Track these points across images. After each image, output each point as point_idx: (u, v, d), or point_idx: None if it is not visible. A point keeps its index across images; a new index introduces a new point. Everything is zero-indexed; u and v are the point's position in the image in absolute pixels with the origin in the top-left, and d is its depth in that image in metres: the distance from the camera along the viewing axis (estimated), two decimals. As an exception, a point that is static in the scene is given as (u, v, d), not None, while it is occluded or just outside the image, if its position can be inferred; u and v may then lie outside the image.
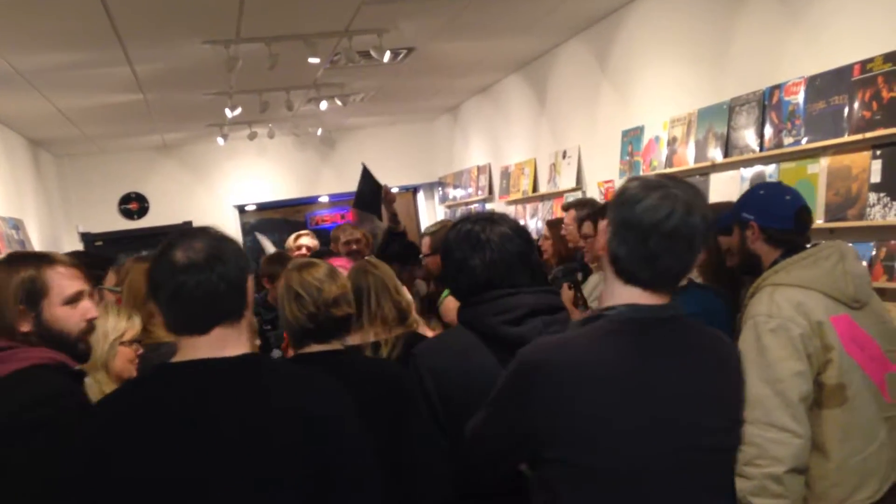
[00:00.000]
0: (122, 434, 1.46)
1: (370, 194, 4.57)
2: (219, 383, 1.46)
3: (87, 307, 1.96)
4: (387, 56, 5.53)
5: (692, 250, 1.48)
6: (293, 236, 5.55)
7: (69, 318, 1.91)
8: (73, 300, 1.93)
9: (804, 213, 2.26)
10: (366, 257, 4.40)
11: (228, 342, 1.49)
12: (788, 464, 1.95)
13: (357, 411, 1.54)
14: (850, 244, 2.43)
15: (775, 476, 1.94)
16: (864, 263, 2.22)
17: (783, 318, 2.04)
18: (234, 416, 1.44)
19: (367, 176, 4.55)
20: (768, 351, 2.02)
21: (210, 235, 1.51)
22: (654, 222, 1.44)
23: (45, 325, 1.87)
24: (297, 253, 5.00)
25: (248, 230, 10.48)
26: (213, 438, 1.43)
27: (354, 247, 4.71)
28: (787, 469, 1.95)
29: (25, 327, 1.85)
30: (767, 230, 2.23)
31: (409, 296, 2.96)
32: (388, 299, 2.78)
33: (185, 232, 1.51)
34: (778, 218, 2.23)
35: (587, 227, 3.97)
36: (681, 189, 1.48)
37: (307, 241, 5.40)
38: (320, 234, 7.28)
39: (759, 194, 2.36)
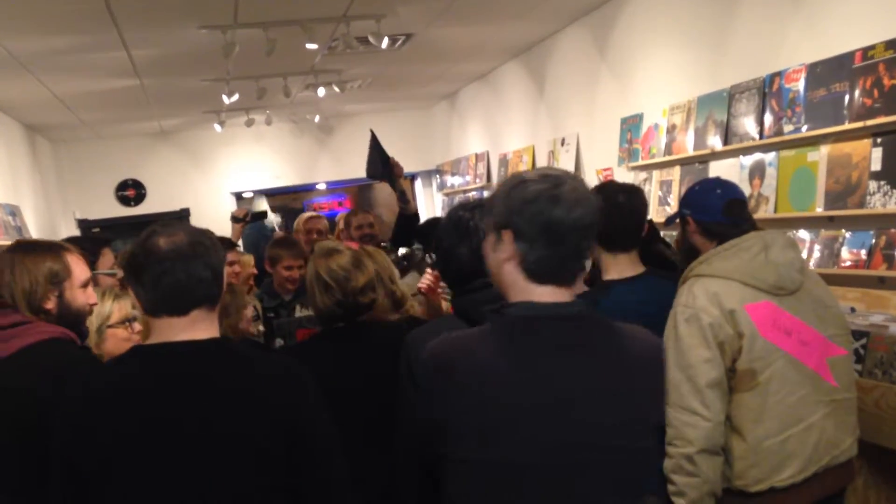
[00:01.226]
0: (97, 411, 1.55)
1: (381, 163, 4.50)
2: (187, 364, 1.58)
3: (91, 293, 2.19)
4: (385, 42, 5.49)
5: (594, 233, 1.52)
6: (303, 218, 5.47)
7: (83, 300, 2.14)
8: (85, 285, 2.16)
9: (734, 206, 2.37)
10: (381, 243, 4.39)
11: (202, 324, 1.61)
12: (699, 445, 2.07)
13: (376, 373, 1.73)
14: (787, 232, 2.52)
15: (688, 456, 2.07)
16: (794, 252, 2.30)
17: (696, 308, 2.16)
18: (200, 394, 1.56)
19: (375, 144, 4.47)
20: (682, 339, 2.15)
21: (189, 227, 1.66)
22: (575, 220, 1.45)
23: (65, 305, 2.09)
24: (306, 237, 4.94)
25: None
26: (180, 417, 1.54)
27: (367, 231, 4.68)
28: (698, 450, 2.07)
29: (50, 305, 2.06)
30: (701, 223, 2.36)
31: (403, 286, 3.01)
32: (382, 288, 2.85)
33: (164, 224, 1.66)
34: (708, 211, 2.36)
35: None
36: (575, 179, 1.50)
37: (317, 223, 5.35)
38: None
39: (695, 190, 2.50)
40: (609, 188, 2.55)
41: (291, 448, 1.57)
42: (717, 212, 2.34)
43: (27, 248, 2.11)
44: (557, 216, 1.44)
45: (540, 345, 1.46)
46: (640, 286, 2.33)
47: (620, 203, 2.40)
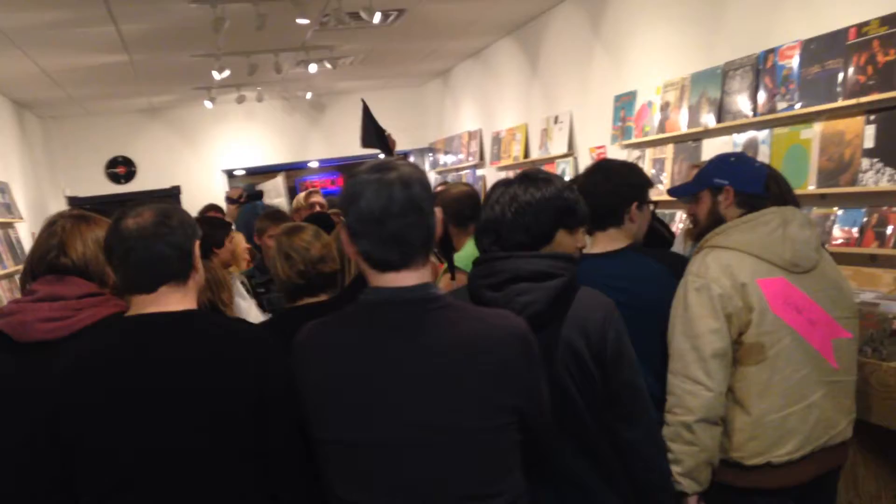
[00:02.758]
0: (80, 377, 1.62)
1: (375, 133, 4.45)
2: (158, 333, 1.65)
3: None
4: (377, 17, 5.44)
5: (426, 215, 1.54)
6: (304, 194, 5.49)
7: None
8: None
9: (771, 181, 2.36)
10: None
11: (173, 300, 1.68)
12: (699, 414, 2.10)
13: None
14: (804, 210, 2.49)
15: (686, 424, 2.10)
16: (811, 230, 2.28)
17: (708, 278, 2.16)
18: (171, 360, 1.63)
19: (368, 114, 4.43)
20: (690, 308, 2.16)
21: (159, 206, 1.71)
22: (382, 207, 1.50)
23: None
24: (307, 211, 4.92)
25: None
26: (153, 381, 1.61)
27: None
28: (698, 419, 2.10)
29: (111, 279, 2.06)
30: (741, 194, 2.32)
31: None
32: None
33: (137, 203, 1.72)
34: (751, 182, 2.33)
35: None
36: (396, 167, 1.55)
37: (318, 198, 5.36)
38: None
39: (731, 161, 2.45)
40: (593, 167, 2.51)
41: (258, 411, 1.63)
42: (759, 183, 2.32)
43: (91, 220, 2.08)
44: (367, 207, 1.50)
45: (380, 328, 1.53)
46: (612, 261, 2.32)
47: (596, 182, 2.37)
